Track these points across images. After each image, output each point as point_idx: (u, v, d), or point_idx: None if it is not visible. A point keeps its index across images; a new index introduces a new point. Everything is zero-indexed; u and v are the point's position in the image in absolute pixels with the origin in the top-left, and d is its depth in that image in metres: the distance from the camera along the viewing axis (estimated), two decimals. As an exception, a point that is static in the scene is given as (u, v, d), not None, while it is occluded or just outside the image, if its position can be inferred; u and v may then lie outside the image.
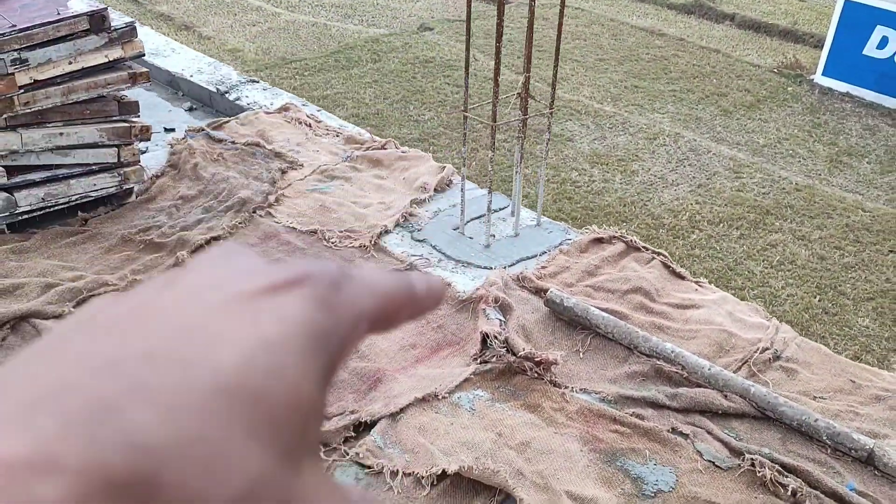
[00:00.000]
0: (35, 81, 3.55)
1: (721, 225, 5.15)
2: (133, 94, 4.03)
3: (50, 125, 3.71)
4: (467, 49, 3.65)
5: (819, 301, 4.44)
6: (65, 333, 0.27)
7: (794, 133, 6.71)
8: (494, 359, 3.26)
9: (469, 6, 3.55)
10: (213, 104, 5.34)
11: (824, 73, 7.64)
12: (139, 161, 4.01)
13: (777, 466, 2.82)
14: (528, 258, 3.95)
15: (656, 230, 4.98)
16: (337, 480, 0.32)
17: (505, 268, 3.83)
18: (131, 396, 0.24)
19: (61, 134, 3.74)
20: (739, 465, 2.87)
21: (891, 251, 4.99)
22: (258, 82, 5.28)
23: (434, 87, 6.98)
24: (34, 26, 3.47)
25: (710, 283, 4.39)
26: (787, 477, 2.78)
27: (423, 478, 2.80)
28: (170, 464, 0.23)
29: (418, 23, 8.87)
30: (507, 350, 3.28)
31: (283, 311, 0.28)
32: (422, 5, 9.56)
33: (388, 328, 0.34)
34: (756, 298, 4.37)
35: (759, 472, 2.81)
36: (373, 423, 3.01)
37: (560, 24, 3.69)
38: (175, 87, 5.57)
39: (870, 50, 7.29)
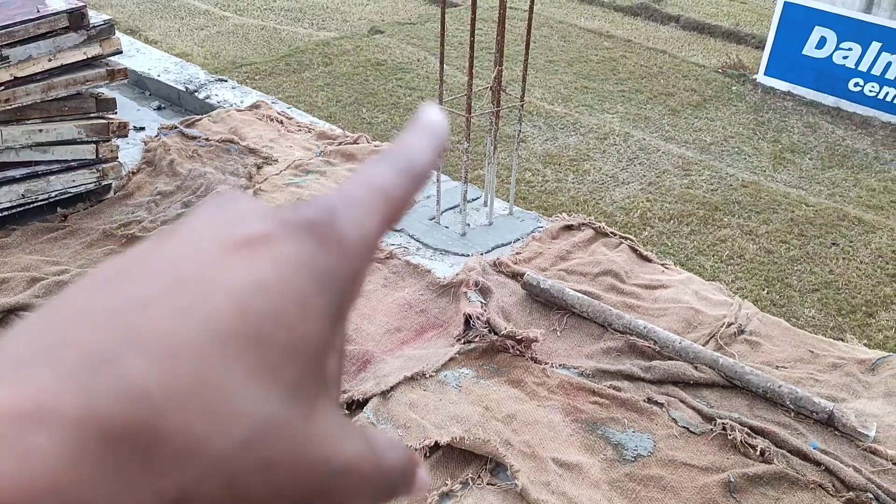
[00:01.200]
0: (15, 78, 3.57)
1: (672, 221, 5.35)
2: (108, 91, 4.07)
3: (29, 122, 3.73)
4: (442, 45, 3.80)
5: (767, 293, 4.65)
6: (64, 294, 0.27)
7: (739, 131, 6.99)
8: (477, 338, 3.40)
9: (443, 5, 3.69)
10: (181, 103, 5.38)
11: (766, 73, 7.99)
12: (117, 157, 4.05)
13: (746, 429, 3.02)
14: (503, 245, 4.10)
15: (609, 228, 5.17)
16: (358, 424, 0.33)
17: (482, 254, 3.98)
18: (126, 345, 0.24)
19: (40, 130, 3.76)
20: (712, 429, 3.06)
21: (833, 244, 5.24)
22: (226, 81, 5.34)
23: (386, 89, 7.09)
24: (15, 24, 3.50)
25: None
26: (755, 438, 2.99)
27: (416, 450, 2.92)
28: (168, 411, 0.23)
29: (369, 26, 8.98)
30: (490, 330, 3.43)
31: (279, 254, 0.28)
32: (372, 8, 9.68)
33: (400, 219, 0.33)
34: (707, 292, 4.60)
35: (730, 435, 3.01)
36: (365, 402, 3.12)
37: (530, 20, 3.86)
38: (142, 86, 5.59)
39: (809, 50, 7.66)
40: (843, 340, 3.60)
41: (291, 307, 0.27)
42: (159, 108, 5.30)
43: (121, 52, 3.93)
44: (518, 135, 4.12)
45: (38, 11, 3.63)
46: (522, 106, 3.82)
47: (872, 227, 5.48)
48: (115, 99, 3.99)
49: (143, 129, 4.91)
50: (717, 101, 7.59)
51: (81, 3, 3.76)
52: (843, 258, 5.09)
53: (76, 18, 3.72)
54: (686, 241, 5.15)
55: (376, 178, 0.32)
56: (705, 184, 5.94)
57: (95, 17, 3.85)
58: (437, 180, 4.13)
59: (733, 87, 7.92)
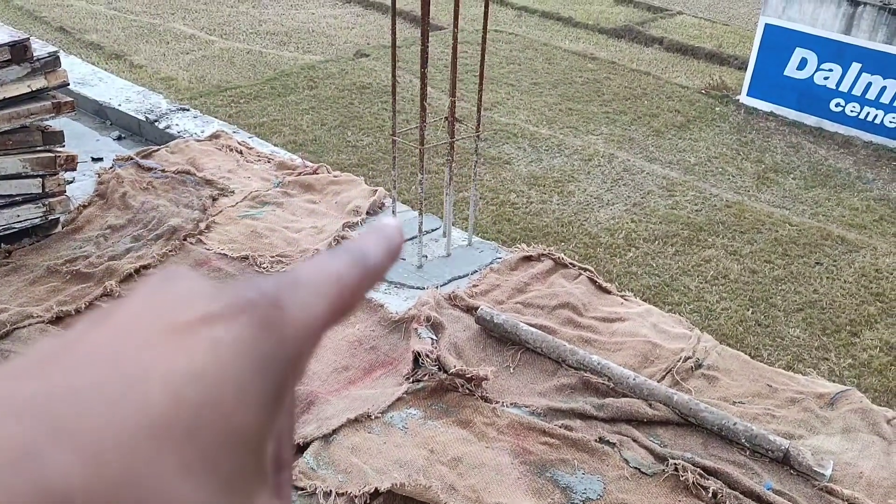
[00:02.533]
0: (-46, 113, 3.51)
1: (656, 242, 5.27)
2: (59, 123, 4.00)
3: (-29, 157, 3.66)
4: (393, 74, 3.72)
5: (752, 313, 4.57)
6: None
7: (722, 152, 6.92)
8: (426, 377, 3.30)
9: (394, 31, 3.62)
10: (142, 133, 5.31)
11: (749, 94, 7.92)
12: (65, 191, 3.97)
13: (699, 470, 2.91)
14: (460, 277, 4.01)
15: (594, 249, 5.09)
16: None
17: (437, 287, 3.89)
18: (50, 438, 0.22)
19: (-17, 165, 3.69)
20: (664, 470, 2.95)
21: (817, 263, 5.16)
22: (188, 110, 5.26)
23: (371, 112, 7.04)
24: (-48, 57, 3.44)
25: (643, 299, 4.51)
26: (708, 479, 2.88)
27: (356, 497, 2.82)
28: None
29: (354, 49, 8.93)
30: (439, 368, 3.33)
31: (219, 338, 0.27)
32: (357, 32, 9.64)
33: (351, 311, 0.32)
34: (692, 313, 4.50)
35: (682, 476, 2.89)
36: (305, 446, 3.02)
37: (483, 50, 3.79)
38: (103, 116, 5.52)
39: (790, 71, 7.59)
40: (803, 374, 3.49)
41: (228, 395, 0.26)
42: (119, 138, 5.24)
43: (67, 85, 3.86)
44: (475, 165, 4.04)
45: (-21, 45, 3.57)
46: (479, 137, 3.72)
47: (856, 246, 5.39)
48: (62, 132, 3.92)
49: (101, 159, 4.84)
50: (701, 121, 7.52)
51: (24, 36, 3.69)
52: (827, 277, 5.01)
53: (19, 51, 3.66)
54: (671, 262, 5.06)
55: (328, 264, 0.32)
56: (689, 204, 5.86)
57: (40, 50, 3.79)
58: (394, 211, 4.05)
59: (717, 108, 7.85)
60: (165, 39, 8.82)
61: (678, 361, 3.43)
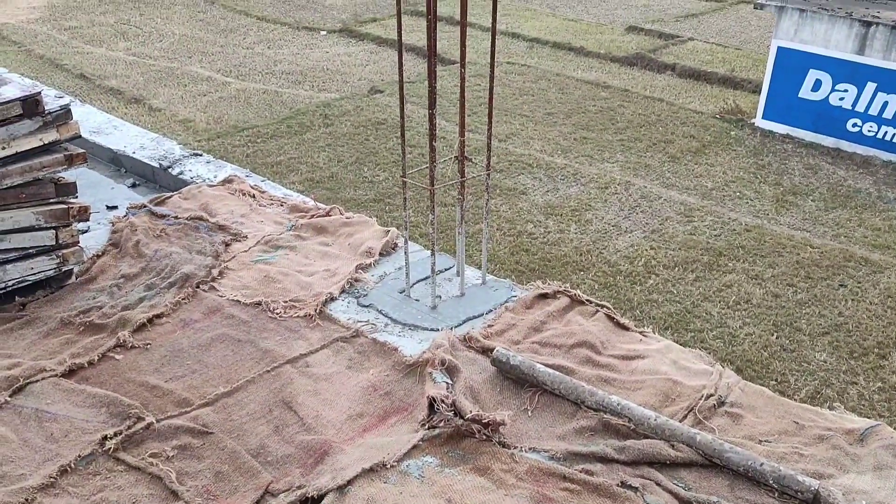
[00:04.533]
0: (-33, 169, 3.53)
1: (676, 269, 5.21)
2: (75, 172, 4.03)
3: (-16, 212, 3.68)
4: (402, 115, 3.71)
5: (776, 338, 4.49)
6: None
7: (740, 175, 6.85)
8: (442, 423, 3.24)
9: (401, 75, 3.61)
10: (156, 179, 5.34)
11: (764, 117, 7.86)
12: (78, 242, 3.98)
13: (726, 515, 2.81)
14: (475, 317, 3.96)
15: (613, 277, 5.03)
16: None
17: (451, 329, 3.83)
18: None
19: (-4, 220, 3.71)
20: (689, 515, 2.86)
21: (841, 285, 5.08)
22: (201, 155, 5.29)
23: (387, 147, 7.05)
24: (-36, 115, 3.47)
25: (665, 326, 4.43)
26: (736, 525, 2.78)
27: (370, 551, 2.75)
28: None
29: (369, 86, 8.98)
30: (455, 413, 3.26)
31: None
32: (371, 69, 9.70)
33: None
34: (716, 339, 4.42)
35: (709, 521, 2.80)
36: (320, 498, 2.96)
37: (491, 88, 3.77)
38: (118, 163, 5.57)
39: (805, 93, 7.53)
40: (832, 400, 3.39)
41: None
42: (134, 186, 5.27)
43: (79, 137, 3.88)
44: (486, 203, 4.00)
45: (-9, 101, 3.60)
46: (489, 175, 3.69)
47: (880, 267, 5.31)
48: (74, 183, 3.93)
49: (115, 207, 4.86)
50: (717, 146, 7.46)
51: (36, 90, 3.72)
52: (852, 299, 4.93)
53: (30, 106, 3.69)
54: (692, 288, 5.00)
55: None
56: (708, 229, 5.80)
57: (52, 103, 3.81)
58: (406, 251, 4.01)
59: (732, 132, 7.79)
60: (183, 82, 8.93)
61: (700, 399, 3.34)
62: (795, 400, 3.85)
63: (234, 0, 12.76)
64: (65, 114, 3.82)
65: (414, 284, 4.13)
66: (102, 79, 8.81)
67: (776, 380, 4.10)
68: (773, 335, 4.54)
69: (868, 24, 7.02)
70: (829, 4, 7.58)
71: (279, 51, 10.27)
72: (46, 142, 3.77)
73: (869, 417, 3.79)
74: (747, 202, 6.37)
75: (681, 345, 4.25)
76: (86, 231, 4.60)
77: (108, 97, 8.21)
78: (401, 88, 3.59)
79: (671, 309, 4.72)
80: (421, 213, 5.50)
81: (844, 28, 7.16)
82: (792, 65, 7.54)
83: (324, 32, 11.18)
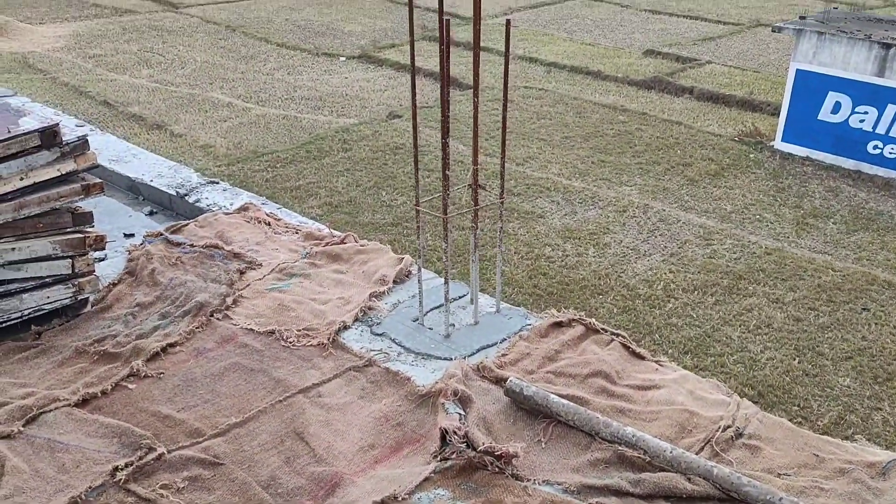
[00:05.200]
0: (-15, 199, 3.57)
1: (696, 292, 5.16)
2: (94, 201, 4.06)
3: (1, 241, 3.71)
4: (415, 146, 3.71)
5: (799, 363, 4.43)
6: None
7: (759, 198, 6.79)
8: (454, 455, 3.20)
9: (414, 101, 3.62)
10: (173, 207, 5.38)
11: (783, 139, 7.80)
12: (94, 271, 4.01)
13: (744, 552, 2.75)
14: (489, 346, 3.93)
15: (632, 301, 4.98)
16: None
17: (465, 358, 3.80)
18: None
19: (13, 249, 3.74)
20: (706, 552, 2.80)
21: (864, 309, 5.00)
22: (218, 183, 5.32)
23: (405, 172, 7.06)
24: (-17, 146, 3.51)
25: (684, 351, 4.36)
26: (754, 562, 2.72)
27: (380, 587, 2.72)
28: None
29: (387, 111, 9.02)
30: (468, 445, 3.23)
31: None
32: (390, 94, 9.75)
33: None
34: (736, 364, 4.36)
35: (726, 558, 2.74)
36: (330, 531, 2.93)
37: (504, 119, 3.77)
38: (136, 192, 5.62)
39: (824, 115, 7.47)
40: (851, 440, 3.32)
41: None
42: (151, 214, 5.30)
43: (96, 167, 3.92)
44: (500, 231, 3.98)
45: (9, 132, 3.65)
46: (503, 203, 3.68)
47: (904, 290, 5.23)
48: (91, 213, 3.97)
49: (132, 235, 4.89)
50: (736, 169, 7.40)
51: (54, 122, 3.77)
52: (876, 323, 4.85)
53: (48, 137, 3.74)
54: (711, 312, 4.94)
55: None
56: (728, 253, 5.74)
57: (69, 134, 3.86)
58: (420, 280, 4.00)
59: (751, 155, 7.74)
60: (204, 108, 9.02)
61: (717, 431, 3.28)
62: (819, 426, 3.79)
63: (254, 27, 12.91)
64: (82, 144, 3.86)
65: (427, 312, 4.11)
66: (125, 105, 8.91)
67: (799, 405, 4.03)
68: (794, 360, 4.47)
69: (888, 46, 6.96)
70: (848, 27, 7.53)
71: (299, 77, 10.35)
72: (64, 172, 3.81)
73: (895, 444, 3.72)
74: (767, 225, 6.31)
75: (701, 370, 4.21)
76: (103, 259, 4.63)
77: (130, 123, 8.30)
78: (413, 117, 3.60)
79: (691, 333, 4.67)
80: (437, 239, 5.49)
81: (864, 50, 7.11)
82: (811, 87, 7.49)
83: (343, 58, 11.27)
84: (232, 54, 11.30)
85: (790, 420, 3.84)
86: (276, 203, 5.31)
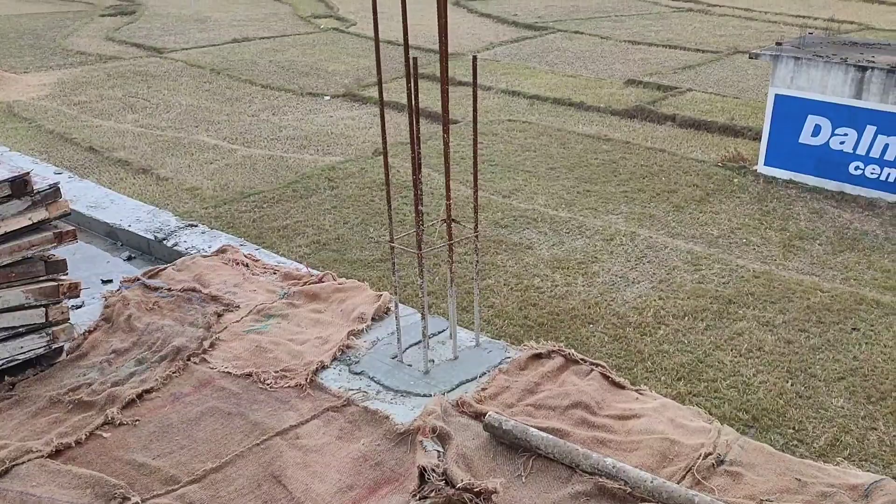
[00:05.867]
0: (-45, 251, 3.55)
1: (686, 318, 5.15)
2: (72, 247, 4.04)
3: (-27, 292, 3.69)
4: (387, 183, 3.71)
5: (791, 385, 4.40)
6: None
7: (745, 222, 6.81)
8: (433, 493, 3.15)
9: (384, 136, 3.63)
10: (151, 252, 5.36)
11: (766, 163, 7.84)
12: (68, 319, 3.98)
13: (727, 583, 2.70)
14: (469, 381, 3.89)
15: (623, 329, 4.96)
16: None
17: (444, 393, 3.77)
18: None
19: (-15, 300, 3.71)
20: (689, 585, 2.74)
21: (854, 329, 4.99)
22: (197, 226, 5.30)
23: (392, 207, 7.08)
24: (-48, 198, 3.50)
25: (676, 378, 4.32)
26: None
27: None
28: None
29: (372, 147, 9.07)
30: (446, 482, 3.18)
31: None
32: (375, 131, 9.79)
33: None
34: (729, 388, 4.33)
35: (709, 591, 2.68)
36: (306, 576, 2.87)
37: (475, 151, 3.77)
38: (114, 237, 5.60)
39: (805, 138, 7.51)
40: (833, 464, 3.28)
41: None
42: (130, 259, 5.29)
43: (69, 214, 3.91)
44: (476, 265, 3.97)
45: (-21, 183, 3.65)
46: (477, 237, 3.67)
47: (892, 309, 5.23)
48: (65, 260, 3.95)
49: (110, 281, 4.86)
50: (720, 194, 7.43)
51: (24, 171, 3.77)
52: (866, 343, 4.84)
53: (19, 186, 3.73)
54: (703, 337, 4.92)
55: None
56: (716, 277, 5.74)
57: (41, 182, 3.85)
58: (397, 317, 3.97)
59: (735, 180, 7.77)
60: (190, 151, 9.04)
61: (699, 458, 3.24)
62: (815, 448, 3.76)
63: (239, 69, 13.01)
64: (54, 192, 3.86)
65: (406, 349, 4.08)
66: (111, 151, 8.93)
67: (794, 428, 4.00)
68: (787, 382, 4.45)
69: (864, 69, 7.03)
70: (824, 51, 7.61)
71: (284, 117, 10.42)
72: (35, 220, 3.79)
73: (893, 464, 3.68)
74: (754, 248, 6.32)
75: (695, 395, 4.18)
76: (80, 306, 4.60)
77: (116, 168, 8.31)
78: (384, 155, 3.60)
79: (683, 359, 4.64)
80: (416, 275, 5.48)
81: (840, 74, 7.18)
82: (790, 111, 7.54)
83: (328, 97, 11.34)
84: (217, 97, 11.38)
85: (786, 443, 3.83)
86: (263, 243, 5.29)
